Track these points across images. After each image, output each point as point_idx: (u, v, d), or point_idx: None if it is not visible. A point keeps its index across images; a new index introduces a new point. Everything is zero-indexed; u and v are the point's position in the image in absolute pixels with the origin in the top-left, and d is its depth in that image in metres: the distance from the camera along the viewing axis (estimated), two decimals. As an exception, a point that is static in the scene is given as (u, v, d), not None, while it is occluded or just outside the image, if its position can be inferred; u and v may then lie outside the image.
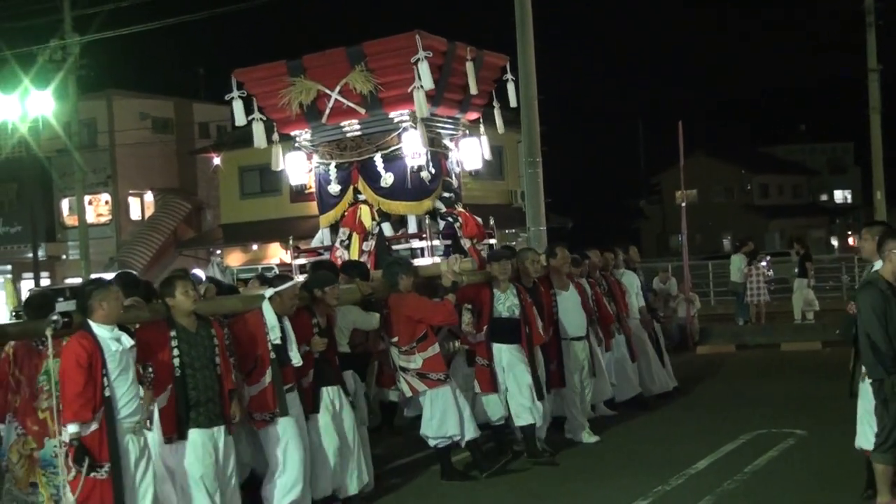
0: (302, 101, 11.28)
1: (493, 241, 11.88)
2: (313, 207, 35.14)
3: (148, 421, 7.00)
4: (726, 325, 21.34)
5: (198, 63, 62.79)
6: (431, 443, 9.28)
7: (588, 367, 10.82)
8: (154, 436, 7.10)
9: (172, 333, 7.11)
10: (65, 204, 41.41)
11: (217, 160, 38.57)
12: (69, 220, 40.65)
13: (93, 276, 28.17)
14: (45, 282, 37.59)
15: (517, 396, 9.63)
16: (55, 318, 6.59)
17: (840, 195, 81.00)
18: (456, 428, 9.11)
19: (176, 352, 7.09)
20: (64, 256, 41.00)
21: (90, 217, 36.60)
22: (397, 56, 10.69)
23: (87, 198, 33.82)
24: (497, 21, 17.29)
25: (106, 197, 40.87)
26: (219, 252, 36.87)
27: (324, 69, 11.19)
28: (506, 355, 9.67)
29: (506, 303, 9.73)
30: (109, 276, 25.44)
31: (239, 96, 11.51)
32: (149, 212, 42.12)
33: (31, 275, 36.66)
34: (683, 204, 20.48)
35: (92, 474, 6.39)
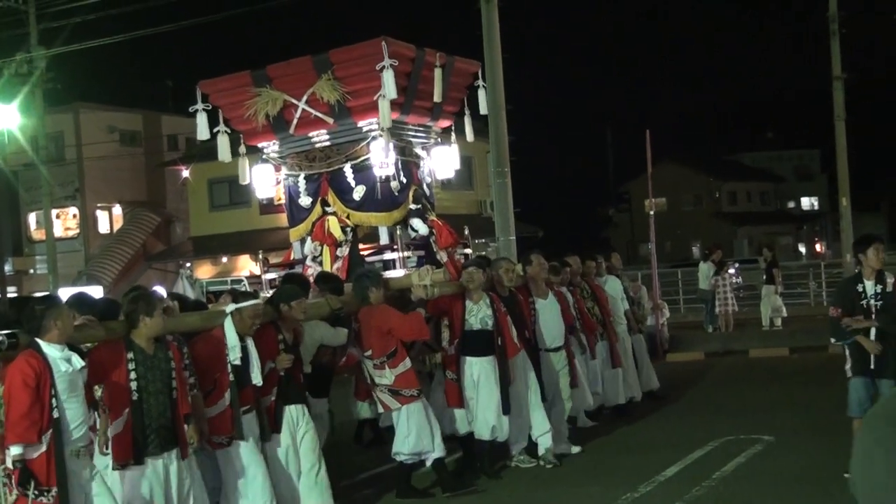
0: (268, 112, 11.02)
1: (468, 250, 11.70)
2: (283, 220, 34.93)
3: (104, 445, 6.82)
4: (696, 332, 21.46)
5: (166, 75, 62.52)
6: (401, 458, 9.04)
7: (566, 378, 10.67)
8: (106, 460, 6.87)
9: (129, 355, 6.83)
10: (32, 218, 41.09)
11: (186, 173, 38.40)
12: (36, 233, 40.35)
13: (61, 290, 27.98)
14: (12, 296, 37.29)
15: (484, 411, 9.48)
16: (0, 338, 6.33)
17: (807, 202, 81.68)
18: (430, 444, 8.92)
19: (133, 374, 6.81)
20: (31, 271, 40.65)
21: (58, 231, 36.32)
22: (364, 63, 10.42)
23: (54, 211, 33.55)
24: (464, 31, 17.33)
25: (74, 210, 40.60)
26: (188, 265, 36.68)
27: (290, 79, 10.94)
28: (476, 368, 9.50)
29: (478, 314, 9.57)
30: (77, 289, 25.22)
31: (204, 109, 11.23)
32: (117, 225, 41.84)
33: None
34: (652, 212, 20.53)
35: (40, 498, 6.13)
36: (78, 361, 6.42)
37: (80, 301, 7.73)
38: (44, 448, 6.19)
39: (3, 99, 29.01)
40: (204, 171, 37.30)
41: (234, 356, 7.46)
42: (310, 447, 8.12)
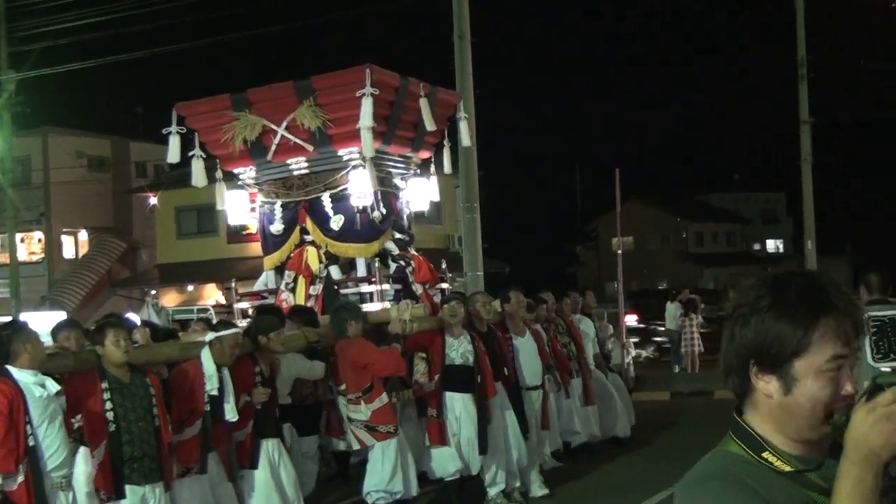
0: (246, 137, 10.73)
1: (445, 285, 11.45)
2: (251, 249, 34.73)
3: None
4: (661, 371, 21.50)
5: (136, 102, 62.40)
6: (372, 498, 8.73)
7: (540, 418, 10.53)
8: (81, 491, 6.63)
9: (104, 385, 6.56)
10: (-6, 241, 40.75)
11: (154, 200, 38.23)
12: (0, 257, 39.99)
13: (23, 314, 27.68)
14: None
15: (464, 448, 9.27)
16: None
17: (772, 244, 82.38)
18: (401, 485, 8.65)
19: (109, 404, 6.54)
20: (-7, 294, 40.25)
21: (22, 255, 35.94)
22: (347, 91, 10.13)
23: (19, 235, 33.24)
24: (436, 66, 17.40)
25: (39, 235, 40.26)
26: (154, 292, 36.40)
27: (270, 104, 10.68)
28: (458, 405, 9.29)
29: (459, 349, 9.34)
30: (40, 315, 24.91)
31: (178, 132, 10.93)
32: (83, 250, 41.51)
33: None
34: (620, 251, 20.63)
35: None
36: (53, 386, 6.20)
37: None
38: (21, 478, 5.96)
39: (-29, 121, 28.79)
40: (172, 198, 37.16)
41: (212, 386, 7.19)
42: (289, 482, 7.86)
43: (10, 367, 6.12)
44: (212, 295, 34.80)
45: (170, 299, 36.40)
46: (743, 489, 1.97)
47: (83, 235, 41.74)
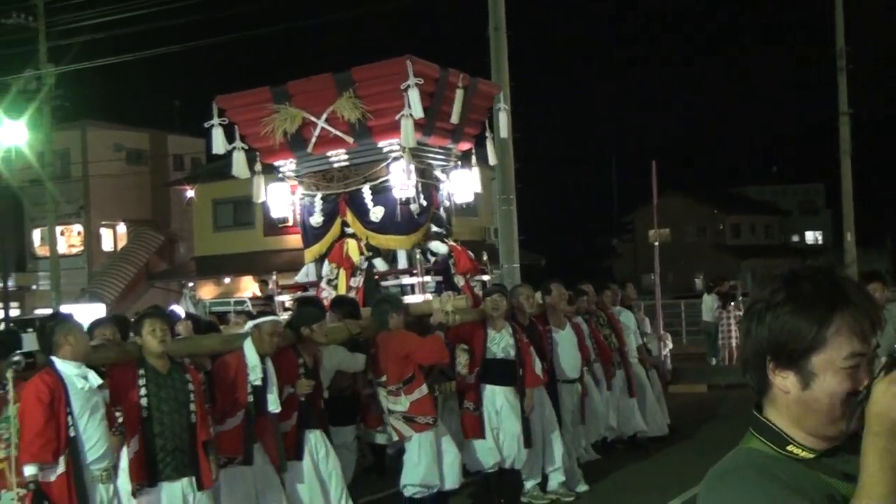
0: (286, 130, 10.68)
1: (486, 276, 11.38)
2: (288, 241, 34.89)
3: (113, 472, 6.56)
4: (698, 364, 21.36)
5: (174, 95, 62.79)
6: (409, 492, 8.65)
7: (577, 412, 10.44)
8: (123, 485, 6.60)
9: (141, 372, 6.60)
10: (36, 234, 41.17)
11: (191, 192, 38.50)
12: (40, 250, 40.37)
13: (62, 307, 27.94)
14: (14, 312, 37.27)
15: (507, 441, 9.20)
16: (17, 358, 6.12)
17: (811, 236, 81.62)
18: (437, 478, 8.57)
19: (143, 391, 6.55)
20: (34, 287, 40.64)
21: (62, 248, 36.34)
22: (387, 82, 10.09)
23: (58, 228, 33.58)
24: (472, 59, 17.36)
25: (78, 228, 40.67)
26: (191, 285, 36.62)
27: (310, 96, 10.64)
28: (499, 398, 9.20)
29: (500, 343, 9.27)
30: (81, 307, 25.18)
31: (220, 123, 10.88)
32: (121, 243, 41.90)
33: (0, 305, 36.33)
34: (656, 243, 20.48)
35: None
36: (95, 379, 6.22)
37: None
38: (62, 469, 5.97)
39: (12, 115, 29.09)
40: (209, 191, 37.40)
41: (255, 376, 7.20)
42: (334, 473, 7.86)
43: (54, 359, 6.15)
44: (248, 287, 34.96)
45: (207, 291, 36.62)
46: (766, 476, 1.98)
47: (121, 228, 42.12)
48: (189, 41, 27.67)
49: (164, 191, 41.95)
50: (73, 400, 6.08)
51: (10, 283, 37.49)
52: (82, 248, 40.87)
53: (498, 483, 9.55)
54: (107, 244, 42.10)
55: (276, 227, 35.88)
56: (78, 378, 6.16)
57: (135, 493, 6.55)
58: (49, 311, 31.25)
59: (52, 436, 5.95)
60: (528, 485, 9.67)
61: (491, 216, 32.93)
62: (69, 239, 41.07)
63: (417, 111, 9.87)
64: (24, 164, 32.29)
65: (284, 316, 9.16)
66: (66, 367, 6.15)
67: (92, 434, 6.16)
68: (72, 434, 6.04)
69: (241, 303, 26.59)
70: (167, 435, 6.58)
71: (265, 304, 19.52)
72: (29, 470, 5.91)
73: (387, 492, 9.83)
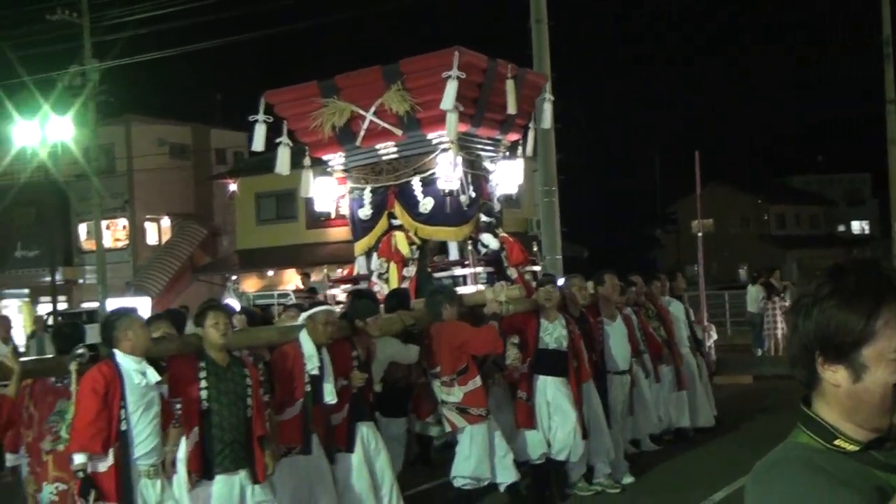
0: (335, 123, 10.71)
1: (537, 267, 11.33)
2: (330, 234, 34.99)
3: (171, 465, 6.59)
4: (743, 355, 21.19)
5: (216, 89, 63.14)
6: (458, 483, 8.60)
7: (626, 404, 10.36)
8: (179, 480, 6.62)
9: (201, 365, 6.62)
10: (82, 228, 41.60)
11: (233, 186, 38.75)
12: (87, 244, 40.80)
13: (110, 300, 28.24)
14: (62, 305, 37.69)
15: (560, 432, 9.08)
16: (80, 351, 6.17)
17: (857, 226, 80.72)
18: (488, 472, 8.51)
19: (203, 383, 6.58)
20: (81, 280, 41.08)
21: (107, 241, 36.68)
22: (436, 74, 10.05)
23: (104, 222, 33.87)
24: (513, 50, 17.31)
25: (123, 222, 41.04)
26: (234, 278, 36.93)
27: (358, 89, 10.65)
28: (551, 389, 9.11)
29: (553, 333, 9.18)
30: (126, 300, 25.48)
31: (264, 120, 10.96)
32: (165, 237, 42.23)
33: (48, 298, 36.77)
34: (700, 234, 20.35)
35: None
36: (153, 376, 6.21)
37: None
38: (110, 461, 5.98)
39: (57, 111, 29.41)
40: (251, 184, 37.63)
41: (312, 366, 7.22)
42: (384, 466, 7.86)
43: (115, 352, 6.19)
44: (291, 280, 35.13)
45: (250, 284, 36.85)
46: (813, 469, 1.97)
47: (165, 222, 42.46)
48: (230, 35, 27.87)
49: (206, 184, 42.23)
50: (128, 394, 6.10)
51: (58, 276, 37.96)
52: (127, 241, 41.23)
53: (545, 474, 9.45)
54: (151, 238, 42.47)
55: (318, 221, 36.22)
56: (136, 373, 6.18)
57: (192, 486, 6.58)
58: (96, 304, 31.69)
59: (103, 427, 5.96)
60: (575, 476, 9.61)
61: (533, 208, 32.89)
62: (114, 233, 41.46)
63: (449, 102, 9.84)
64: (70, 159, 32.66)
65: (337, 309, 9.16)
66: (126, 361, 6.18)
67: (143, 430, 6.17)
68: (123, 428, 6.05)
69: (285, 295, 26.73)
70: (225, 427, 6.59)
71: (308, 296, 19.64)
72: (78, 458, 5.94)
73: (432, 483, 9.83)
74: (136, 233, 41.15)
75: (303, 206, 36.64)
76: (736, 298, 27.54)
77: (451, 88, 9.81)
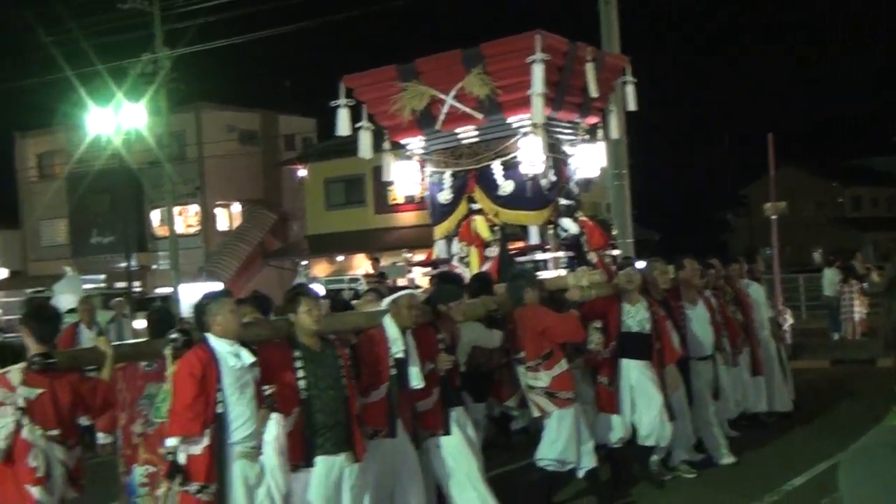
0: (414, 107, 10.72)
1: (616, 251, 11.24)
2: (399, 219, 35.13)
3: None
4: (820, 339, 20.83)
5: (283, 75, 63.57)
6: (542, 464, 8.50)
7: (711, 389, 10.19)
8: (269, 460, 6.56)
9: (296, 353, 6.61)
10: (155, 215, 42.24)
11: (303, 172, 39.01)
12: (159, 230, 41.43)
13: (182, 285, 28.57)
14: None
15: (646, 416, 8.98)
16: (174, 336, 6.21)
17: (937, 207, 78.91)
18: (574, 455, 8.42)
19: (301, 372, 6.56)
20: (154, 266, 41.73)
21: (179, 227, 37.14)
22: (517, 57, 10.00)
23: (176, 209, 34.30)
24: (583, 34, 17.15)
25: (195, 208, 41.50)
26: (304, 263, 37.21)
27: (438, 73, 10.65)
28: (634, 372, 9.01)
29: (636, 316, 9.08)
30: (198, 286, 25.78)
31: (346, 104, 10.99)
32: (236, 223, 42.70)
33: (123, 284, 37.34)
34: (774, 217, 20.02)
35: (199, 495, 5.93)
36: (247, 357, 6.22)
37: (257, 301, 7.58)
38: (207, 442, 5.99)
39: (131, 98, 29.78)
40: (320, 170, 37.88)
41: (397, 349, 7.19)
42: (477, 449, 7.82)
43: (208, 335, 6.22)
44: (361, 265, 35.29)
45: (320, 269, 37.11)
46: None
47: (236, 208, 42.91)
48: (299, 21, 27.96)
49: (275, 170, 42.58)
50: (224, 377, 6.11)
51: (132, 262, 38.56)
52: (199, 227, 41.73)
53: (623, 458, 9.37)
54: (222, 224, 42.96)
55: (387, 206, 36.38)
56: (230, 356, 6.18)
57: (293, 470, 6.55)
58: (169, 289, 32.13)
59: (201, 410, 5.99)
60: (653, 460, 9.48)
61: (603, 191, 32.65)
62: (186, 219, 42.00)
63: (538, 86, 9.77)
64: (143, 146, 33.11)
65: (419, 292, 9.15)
66: (220, 345, 6.19)
67: (241, 412, 6.17)
68: (219, 410, 6.07)
69: (355, 280, 26.84)
70: (326, 412, 6.59)
71: (378, 280, 19.68)
72: (171, 441, 5.96)
73: (514, 464, 9.79)
74: (208, 219, 41.62)
75: (371, 192, 36.83)
76: (811, 282, 27.11)
77: (538, 72, 9.74)
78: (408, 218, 36.10)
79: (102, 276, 41.61)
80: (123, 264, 37.11)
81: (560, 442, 8.36)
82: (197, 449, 5.99)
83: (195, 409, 5.95)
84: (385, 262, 30.57)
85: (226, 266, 39.15)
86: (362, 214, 37.06)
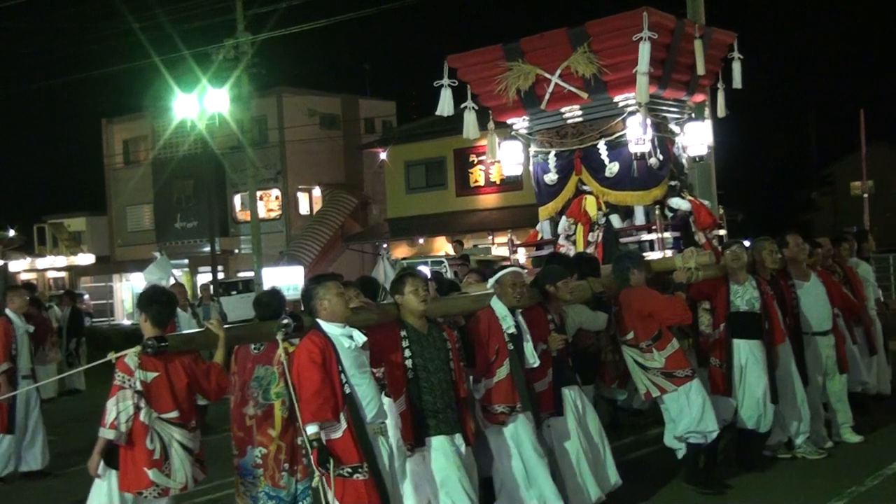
0: (519, 87, 10.72)
1: (723, 231, 11.10)
2: (479, 201, 35.06)
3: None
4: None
5: (363, 59, 63.77)
6: (687, 438, 8.37)
7: (833, 364, 9.87)
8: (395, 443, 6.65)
9: (403, 334, 6.66)
10: (237, 199, 42.73)
11: (383, 155, 39.10)
12: (241, 214, 41.90)
13: (265, 269, 28.78)
14: (219, 275, 38.81)
15: (750, 398, 8.85)
16: (286, 321, 6.23)
17: None
18: (714, 423, 8.32)
19: (408, 353, 6.61)
20: (236, 250, 42.21)
21: (261, 212, 37.46)
22: (622, 36, 9.93)
23: (258, 193, 34.58)
24: (668, 7, 16.87)
25: (276, 192, 41.85)
26: (385, 246, 37.36)
27: (543, 52, 10.61)
28: (744, 352, 8.88)
29: (744, 296, 8.94)
30: (280, 270, 25.88)
31: (449, 84, 11.00)
32: (317, 206, 42.92)
33: (207, 268, 37.83)
34: (865, 195, 19.58)
35: (355, 476, 5.99)
36: (360, 337, 6.26)
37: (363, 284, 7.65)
38: (345, 425, 6.05)
39: (215, 83, 30.08)
40: (401, 153, 37.95)
41: (508, 324, 7.21)
42: (596, 428, 7.80)
43: (319, 321, 6.26)
44: (442, 248, 35.31)
45: (400, 252, 37.19)
46: None
47: (317, 192, 43.15)
48: (379, 4, 27.94)
49: (356, 154, 42.73)
50: (343, 359, 6.16)
51: (216, 247, 39.08)
52: (280, 212, 42.10)
53: (736, 439, 9.23)
54: (303, 208, 43.25)
55: (468, 188, 36.35)
56: (344, 338, 6.23)
57: (409, 451, 6.64)
58: (251, 273, 32.48)
59: (329, 394, 6.01)
60: (773, 440, 9.34)
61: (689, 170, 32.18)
62: (268, 203, 42.40)
63: (645, 65, 9.69)
64: (225, 131, 33.45)
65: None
66: (331, 328, 6.24)
67: (366, 391, 6.23)
68: (347, 391, 6.13)
69: (438, 262, 26.82)
70: (437, 393, 6.63)
71: (461, 263, 19.67)
72: (311, 429, 5.98)
73: (618, 442, 9.70)
74: (289, 203, 41.95)
75: (452, 174, 36.82)
76: (903, 261, 26.41)
77: (644, 50, 9.66)
78: (489, 200, 36.01)
79: (186, 261, 42.27)
80: (206, 249, 37.62)
81: (695, 413, 8.29)
82: (338, 433, 6.05)
83: (323, 393, 5.97)
84: (467, 244, 30.54)
85: (307, 250, 39.43)
86: (443, 197, 37.06)
